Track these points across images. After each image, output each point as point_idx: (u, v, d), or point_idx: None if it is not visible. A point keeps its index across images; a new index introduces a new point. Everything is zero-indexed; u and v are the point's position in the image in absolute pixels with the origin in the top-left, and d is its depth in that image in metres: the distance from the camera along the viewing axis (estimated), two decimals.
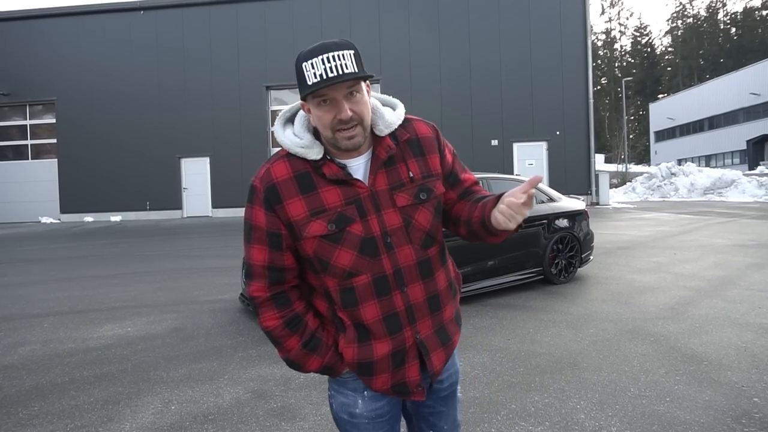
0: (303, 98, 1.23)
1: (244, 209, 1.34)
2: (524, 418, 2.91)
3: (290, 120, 1.36)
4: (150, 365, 3.94)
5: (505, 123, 18.79)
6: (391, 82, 18.77)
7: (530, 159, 18.80)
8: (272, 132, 1.39)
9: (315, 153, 1.27)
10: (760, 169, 28.56)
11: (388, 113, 1.35)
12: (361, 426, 1.39)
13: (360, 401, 1.39)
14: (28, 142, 20.48)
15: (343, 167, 1.28)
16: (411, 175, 1.33)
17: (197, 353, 4.18)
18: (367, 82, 1.27)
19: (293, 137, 1.29)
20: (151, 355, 4.17)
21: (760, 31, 62.47)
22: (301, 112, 1.34)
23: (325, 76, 1.16)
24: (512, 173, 18.01)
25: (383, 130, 1.32)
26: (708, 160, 44.55)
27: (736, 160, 40.77)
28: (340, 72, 1.17)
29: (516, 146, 18.87)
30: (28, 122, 20.42)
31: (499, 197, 1.28)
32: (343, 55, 1.18)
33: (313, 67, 1.17)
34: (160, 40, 19.74)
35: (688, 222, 12.80)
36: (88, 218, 19.55)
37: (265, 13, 19.32)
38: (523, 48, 18.80)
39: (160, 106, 19.57)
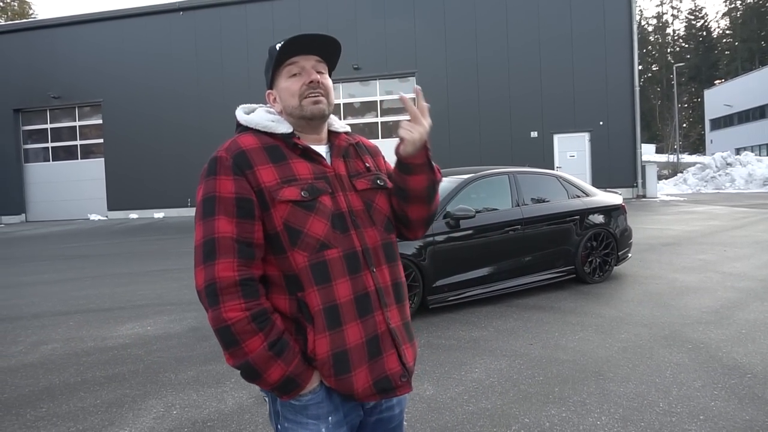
0: (270, 82, 1.33)
1: (200, 189, 1.22)
2: None
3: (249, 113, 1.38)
4: (161, 366, 3.92)
5: (545, 113, 18.16)
6: (427, 76, 18.48)
7: (572, 151, 18.10)
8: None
9: (285, 127, 1.28)
10: None
11: (339, 121, 1.44)
12: None
13: (324, 430, 1.22)
14: (78, 142, 21.36)
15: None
16: (367, 165, 1.38)
17: (209, 354, 4.13)
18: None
19: (263, 113, 1.31)
20: (165, 356, 4.15)
21: None
22: (263, 107, 1.38)
23: (294, 38, 1.24)
24: (553, 166, 17.40)
25: (339, 128, 1.40)
26: None
27: None
28: (312, 35, 1.26)
29: (556, 138, 18.20)
30: (77, 123, 21.30)
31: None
32: (321, 36, 1.27)
33: (282, 42, 1.26)
34: (198, 39, 20.14)
35: (743, 216, 11.97)
36: (133, 215, 20.24)
37: (299, 11, 19.37)
38: (564, 37, 18.08)
39: (199, 105, 19.98)
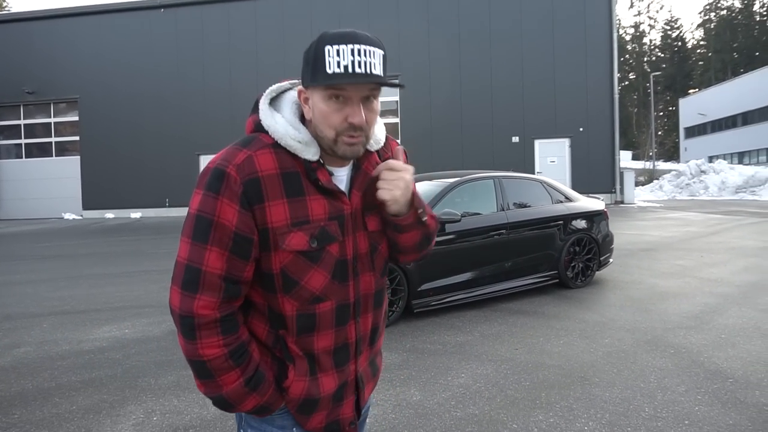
0: (306, 84, 1.05)
1: (197, 197, 1.04)
2: None
3: (274, 102, 1.14)
4: (140, 371, 3.81)
5: (526, 119, 18.34)
6: (410, 79, 18.51)
7: (552, 156, 18.30)
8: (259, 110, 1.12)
9: (312, 153, 1.08)
10: None
11: (379, 126, 1.20)
12: None
13: None
14: (52, 139, 20.83)
15: (332, 175, 1.12)
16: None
17: None
18: None
19: (290, 128, 1.08)
20: (143, 360, 4.04)
21: None
22: (292, 98, 1.13)
23: (351, 70, 0.98)
24: (533, 171, 17.58)
25: (372, 145, 1.17)
26: (741, 157, 42.98)
27: None
28: (369, 71, 1.00)
29: (537, 143, 18.39)
30: (52, 120, 20.78)
31: None
32: (373, 52, 1.01)
33: (338, 55, 0.98)
34: (179, 38, 19.85)
35: (718, 222, 12.25)
36: (109, 215, 19.82)
37: (283, 9, 19.24)
38: (545, 44, 18.30)
39: (179, 104, 19.69)
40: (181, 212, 19.64)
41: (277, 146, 1.07)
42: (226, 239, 1.02)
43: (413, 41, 18.65)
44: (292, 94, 1.14)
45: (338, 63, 0.98)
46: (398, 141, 1.31)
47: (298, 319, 1.10)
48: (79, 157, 20.26)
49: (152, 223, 17.22)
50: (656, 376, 3.40)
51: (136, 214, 19.68)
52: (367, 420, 1.44)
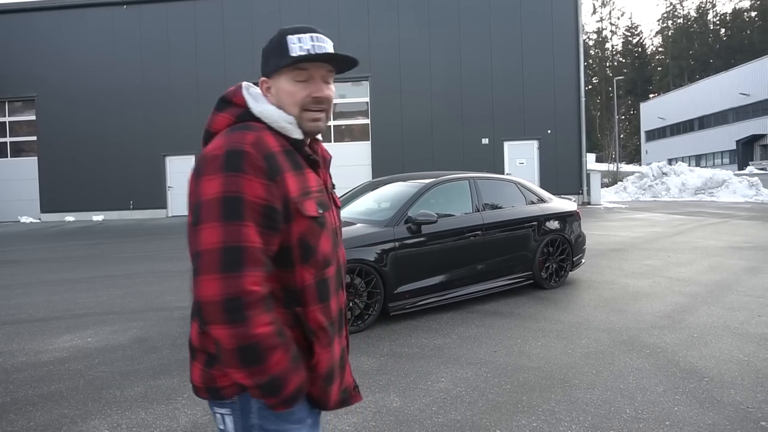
0: (271, 73, 1.20)
1: (216, 181, 1.05)
2: None
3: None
4: (104, 382, 3.60)
5: (495, 122, 18.53)
6: (381, 81, 18.48)
7: (521, 158, 18.55)
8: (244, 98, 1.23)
9: (298, 133, 1.20)
10: (749, 169, 28.57)
11: None
12: None
13: None
14: (7, 139, 19.88)
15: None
16: (333, 182, 1.38)
17: (158, 367, 3.85)
18: None
19: (279, 111, 1.19)
20: (108, 370, 3.83)
21: (749, 32, 62.77)
22: (255, 90, 1.24)
23: (312, 52, 1.16)
24: (503, 172, 17.77)
25: (319, 136, 1.34)
26: (698, 159, 44.64)
27: (726, 160, 40.89)
28: (326, 51, 1.18)
29: (507, 145, 18.61)
30: (7, 119, 19.85)
31: None
32: (326, 40, 1.21)
33: (300, 42, 1.16)
34: (143, 35, 19.26)
35: (681, 223, 12.61)
36: (70, 218, 19.06)
37: (252, 6, 18.92)
38: (514, 47, 18.54)
39: (144, 103, 19.12)
40: (146, 215, 19.07)
41: (270, 128, 1.18)
42: (257, 215, 1.06)
43: (383, 43, 18.62)
44: (256, 89, 1.26)
45: (301, 47, 1.16)
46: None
47: (318, 286, 1.17)
48: (36, 157, 19.42)
49: (116, 226, 16.63)
50: (635, 376, 3.41)
51: (98, 216, 18.99)
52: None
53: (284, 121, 1.18)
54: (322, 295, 1.19)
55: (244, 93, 1.21)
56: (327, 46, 1.19)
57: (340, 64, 1.22)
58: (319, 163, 1.25)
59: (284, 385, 1.10)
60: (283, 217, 1.11)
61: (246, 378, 1.07)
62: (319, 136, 1.32)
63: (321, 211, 1.19)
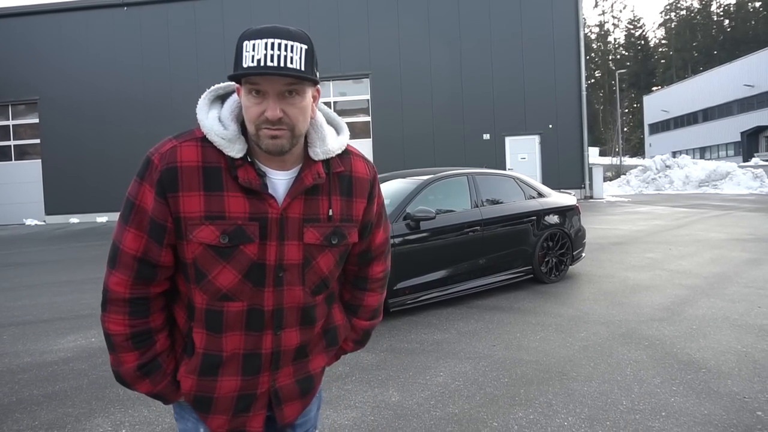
0: (234, 80, 1.07)
1: (131, 181, 1.13)
2: None
3: (221, 99, 1.17)
4: (107, 381, 3.65)
5: (497, 117, 18.51)
6: (381, 78, 18.48)
7: (523, 153, 18.52)
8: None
9: (236, 150, 1.08)
10: (754, 160, 28.39)
11: (331, 137, 1.18)
12: None
13: (202, 430, 1.23)
14: (11, 142, 20.02)
15: (262, 176, 1.10)
16: (330, 213, 1.16)
17: None
18: (317, 88, 1.12)
19: (217, 124, 1.09)
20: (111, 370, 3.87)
21: (753, 22, 62.35)
22: (236, 98, 1.15)
23: (262, 63, 0.99)
24: (505, 167, 17.75)
25: (318, 154, 1.15)
26: (702, 152, 44.42)
27: (731, 152, 40.65)
28: (281, 64, 0.99)
29: (508, 140, 18.58)
30: (10, 122, 19.98)
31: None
32: (291, 46, 1.01)
33: (253, 49, 1.00)
34: (144, 37, 19.33)
35: (684, 215, 12.57)
36: (74, 219, 19.18)
37: (251, 8, 18.95)
38: (514, 41, 18.49)
39: (145, 104, 19.18)
40: None
41: (205, 140, 1.09)
42: (144, 222, 1.08)
43: (383, 40, 18.61)
44: (220, 90, 1.18)
45: (252, 57, 0.99)
46: (367, 160, 1.27)
47: (206, 313, 1.12)
48: (40, 160, 19.53)
49: None
50: (632, 368, 3.43)
51: (102, 218, 19.10)
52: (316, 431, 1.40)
53: (216, 136, 1.07)
54: (210, 323, 1.13)
55: (201, 102, 1.14)
56: (288, 54, 1.00)
57: (300, 79, 1.03)
58: (256, 189, 1.08)
59: (130, 384, 1.15)
60: (175, 233, 1.09)
61: (109, 358, 1.16)
62: (320, 154, 1.15)
63: (225, 241, 1.06)
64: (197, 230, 1.07)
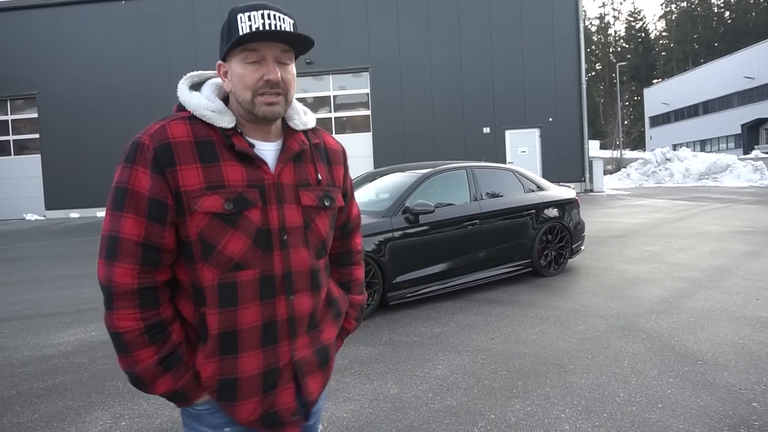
0: (225, 55, 1.12)
1: (116, 171, 1.09)
2: (503, 431, 2.65)
3: (196, 87, 1.21)
4: (107, 374, 3.67)
5: (497, 110, 18.47)
6: (381, 72, 18.42)
7: (523, 146, 18.49)
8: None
9: (226, 121, 1.12)
10: (754, 153, 28.37)
11: (303, 112, 1.27)
12: None
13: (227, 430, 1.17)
14: (10, 137, 20.01)
15: (252, 146, 1.14)
16: (319, 177, 1.23)
17: None
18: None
19: (204, 99, 1.14)
20: (111, 363, 3.89)
21: (753, 14, 62.10)
22: (213, 81, 1.21)
23: (262, 29, 1.06)
24: (505, 161, 17.74)
25: (298, 125, 1.23)
26: (703, 144, 44.37)
27: (731, 145, 40.62)
28: (280, 29, 1.08)
29: (508, 133, 18.54)
30: (9, 117, 19.95)
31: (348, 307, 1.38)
32: (283, 18, 1.10)
33: (249, 20, 1.06)
34: (142, 31, 19.26)
35: (683, 208, 12.58)
36: (74, 214, 19.20)
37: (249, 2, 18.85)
38: (514, 34, 18.42)
39: (144, 98, 19.13)
40: None
41: (192, 118, 1.12)
42: (142, 206, 1.05)
43: (382, 34, 18.54)
44: (215, 80, 1.21)
45: (250, 26, 1.06)
46: (336, 139, 1.39)
47: (219, 289, 1.09)
48: (39, 155, 19.52)
49: None
50: (629, 361, 3.45)
51: (102, 213, 19.10)
52: (320, 425, 1.37)
53: (206, 110, 1.11)
54: (223, 299, 1.09)
55: (180, 86, 1.18)
56: (282, 24, 1.08)
57: (294, 44, 1.12)
58: (251, 156, 1.12)
59: (149, 384, 1.08)
60: (176, 209, 1.07)
61: (119, 362, 1.09)
62: (300, 125, 1.23)
63: (230, 207, 1.08)
64: (201, 200, 1.06)
